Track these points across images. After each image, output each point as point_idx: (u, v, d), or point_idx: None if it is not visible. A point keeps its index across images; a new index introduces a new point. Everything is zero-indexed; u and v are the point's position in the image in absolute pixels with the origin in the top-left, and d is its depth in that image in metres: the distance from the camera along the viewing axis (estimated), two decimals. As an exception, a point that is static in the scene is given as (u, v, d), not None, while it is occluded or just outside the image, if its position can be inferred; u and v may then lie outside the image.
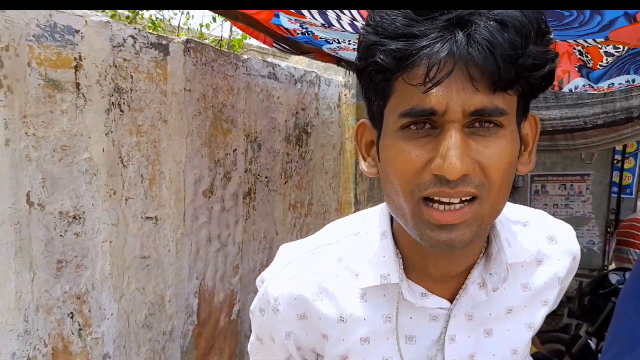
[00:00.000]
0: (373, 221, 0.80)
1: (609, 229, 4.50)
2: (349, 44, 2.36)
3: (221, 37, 3.50)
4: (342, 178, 3.55)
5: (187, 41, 2.22)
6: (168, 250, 2.23)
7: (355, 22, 1.77)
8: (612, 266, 4.98)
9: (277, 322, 0.81)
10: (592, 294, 3.50)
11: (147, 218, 2.11)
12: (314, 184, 3.24)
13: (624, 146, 4.90)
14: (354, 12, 1.70)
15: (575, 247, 0.85)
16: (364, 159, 0.75)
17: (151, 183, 2.11)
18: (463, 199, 0.62)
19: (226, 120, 2.47)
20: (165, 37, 2.14)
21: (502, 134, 0.62)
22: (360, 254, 0.78)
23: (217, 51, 2.39)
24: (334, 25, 1.92)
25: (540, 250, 0.80)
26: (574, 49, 1.98)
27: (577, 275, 4.49)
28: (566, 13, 1.16)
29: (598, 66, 2.01)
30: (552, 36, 0.62)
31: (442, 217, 0.62)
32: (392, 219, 0.78)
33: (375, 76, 0.64)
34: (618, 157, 5.05)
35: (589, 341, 3.54)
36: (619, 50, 1.92)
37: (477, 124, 0.61)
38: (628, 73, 2.30)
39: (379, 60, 0.60)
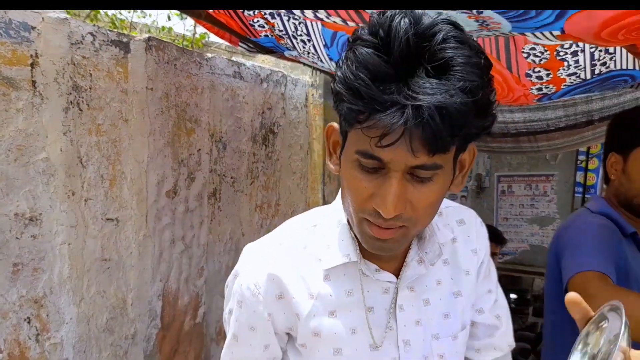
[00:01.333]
0: (329, 214, 0.94)
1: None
2: (308, 55, 2.34)
3: (183, 35, 3.45)
4: (310, 178, 3.53)
5: (149, 39, 2.18)
6: (130, 252, 2.18)
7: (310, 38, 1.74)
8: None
9: (258, 306, 0.90)
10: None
11: (107, 219, 2.06)
12: (281, 184, 3.22)
13: (589, 147, 5.01)
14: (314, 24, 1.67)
15: (478, 222, 1.02)
16: (330, 157, 0.88)
17: (112, 184, 2.07)
18: (394, 226, 0.77)
19: (190, 119, 2.43)
20: (126, 35, 2.10)
21: (435, 180, 0.75)
22: (321, 242, 0.91)
23: (180, 49, 2.35)
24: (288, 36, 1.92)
25: (453, 231, 0.97)
26: (531, 89, 1.98)
27: (542, 274, 4.58)
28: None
29: (562, 86, 2.02)
30: (494, 101, 0.73)
31: (377, 233, 0.78)
32: None
33: (342, 111, 0.74)
34: (582, 157, 5.16)
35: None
36: (581, 69, 1.95)
37: (415, 174, 0.74)
38: (591, 92, 2.33)
39: (345, 110, 0.72)
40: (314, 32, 2.24)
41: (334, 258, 0.89)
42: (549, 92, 2.03)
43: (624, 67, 2.00)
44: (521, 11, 1.19)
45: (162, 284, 2.37)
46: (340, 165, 0.81)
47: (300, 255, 0.92)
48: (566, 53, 1.93)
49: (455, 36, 0.69)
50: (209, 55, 2.56)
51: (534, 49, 1.98)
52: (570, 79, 1.89)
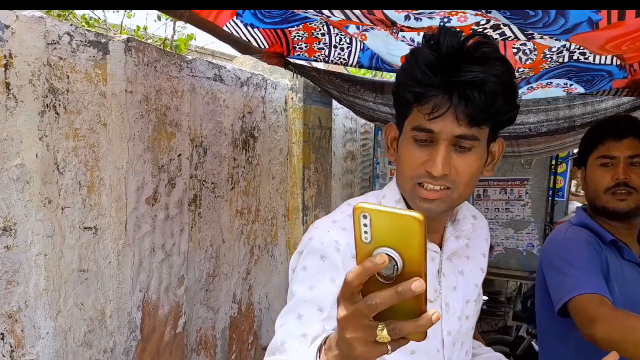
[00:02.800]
0: (387, 194, 1.09)
1: (547, 232, 4.64)
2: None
3: (165, 38, 3.35)
4: (290, 183, 3.48)
5: (128, 40, 2.10)
6: (109, 262, 2.09)
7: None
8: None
9: (339, 259, 0.98)
10: (534, 296, 3.57)
11: (85, 228, 1.97)
12: (261, 189, 3.15)
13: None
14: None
15: (485, 222, 1.25)
16: (388, 150, 1.08)
17: (90, 191, 1.97)
18: (441, 187, 0.97)
19: (170, 123, 2.35)
20: (105, 35, 2.01)
21: (473, 152, 0.97)
22: None
23: (160, 51, 2.27)
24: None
25: (472, 220, 1.16)
26: (517, 70, 2.01)
27: (517, 277, 4.62)
28: (531, 13, 1.16)
29: (540, 68, 2.04)
30: (518, 94, 0.97)
31: (427, 194, 0.98)
32: None
33: (402, 101, 0.99)
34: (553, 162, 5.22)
35: (532, 343, 3.61)
36: (560, 55, 1.96)
37: (458, 144, 0.96)
38: (568, 79, 2.36)
39: (405, 95, 0.96)
40: (355, 42, 2.46)
41: None
42: (527, 75, 2.07)
43: (602, 62, 2.03)
44: (530, 20, 1.19)
45: (141, 294, 2.29)
46: (397, 150, 1.02)
47: None
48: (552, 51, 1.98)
49: (487, 42, 0.93)
50: (190, 57, 2.48)
51: (525, 44, 1.99)
52: (548, 64, 1.93)
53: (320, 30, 2.38)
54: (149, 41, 3.00)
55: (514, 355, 3.64)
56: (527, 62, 2.06)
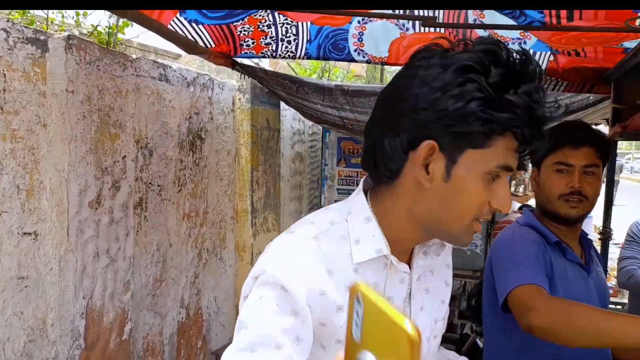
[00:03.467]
0: (352, 211, 0.94)
1: (489, 232, 4.76)
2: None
3: (97, 25, 3.21)
4: (238, 185, 3.44)
5: (69, 37, 2.02)
6: (50, 268, 2.01)
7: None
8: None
9: (304, 293, 0.85)
10: (479, 295, 3.65)
11: (25, 234, 1.88)
12: (209, 191, 3.10)
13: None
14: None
15: None
16: (426, 173, 0.87)
17: (29, 194, 1.89)
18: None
19: (114, 124, 2.28)
20: (44, 32, 1.93)
21: None
22: (350, 237, 0.92)
23: (102, 49, 2.20)
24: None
25: None
26: None
27: (461, 276, 4.72)
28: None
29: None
30: None
31: (478, 228, 0.90)
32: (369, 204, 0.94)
33: (494, 127, 0.82)
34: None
35: (477, 340, 3.70)
36: None
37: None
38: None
39: (510, 119, 0.81)
40: (302, 31, 2.43)
41: (366, 252, 0.90)
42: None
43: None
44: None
45: (85, 301, 2.20)
46: (450, 179, 0.86)
47: (336, 250, 0.90)
48: None
49: None
50: (134, 56, 2.42)
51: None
52: None
53: (266, 21, 2.34)
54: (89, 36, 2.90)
55: (459, 352, 3.71)
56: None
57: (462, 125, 0.81)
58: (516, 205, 7.56)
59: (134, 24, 2.07)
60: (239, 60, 2.78)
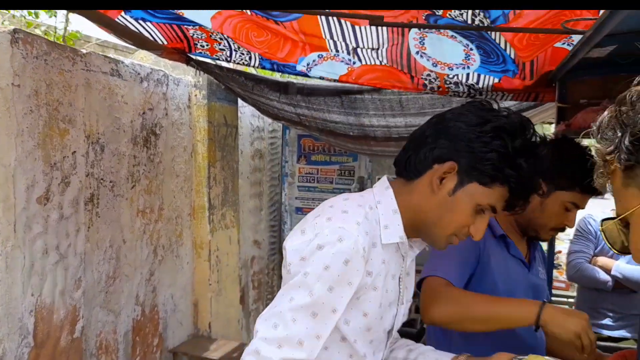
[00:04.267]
0: (383, 201, 1.17)
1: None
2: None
3: (55, 28, 3.18)
4: (195, 182, 3.43)
5: (15, 31, 1.99)
6: (-4, 265, 1.98)
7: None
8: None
9: (363, 265, 1.06)
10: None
11: (-32, 229, 1.85)
12: (164, 188, 3.09)
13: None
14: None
15: None
16: (440, 180, 1.13)
17: (-27, 189, 1.86)
18: None
19: (63, 119, 2.26)
20: (-13, 25, 1.90)
21: None
22: (380, 222, 1.14)
23: (50, 44, 2.18)
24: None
25: None
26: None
27: (419, 271, 4.81)
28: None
29: (447, 15, 2.10)
30: None
31: (456, 242, 1.18)
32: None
33: (499, 176, 1.10)
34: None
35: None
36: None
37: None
38: (471, 41, 2.42)
39: (513, 175, 1.10)
40: (253, 56, 2.56)
41: (392, 237, 1.14)
42: (437, 13, 2.15)
43: (504, 47, 2.17)
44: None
45: (34, 298, 2.18)
46: (453, 196, 1.12)
47: (375, 229, 1.13)
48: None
49: None
50: (84, 51, 2.39)
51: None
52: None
53: (217, 34, 2.39)
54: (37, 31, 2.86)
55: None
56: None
57: (479, 164, 1.08)
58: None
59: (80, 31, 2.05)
60: (193, 56, 2.78)
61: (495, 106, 1.14)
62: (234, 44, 2.48)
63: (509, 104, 3.08)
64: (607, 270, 2.96)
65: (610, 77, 2.33)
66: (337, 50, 2.34)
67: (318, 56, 2.39)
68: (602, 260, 3.04)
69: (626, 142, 0.67)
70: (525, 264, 1.65)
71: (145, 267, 2.95)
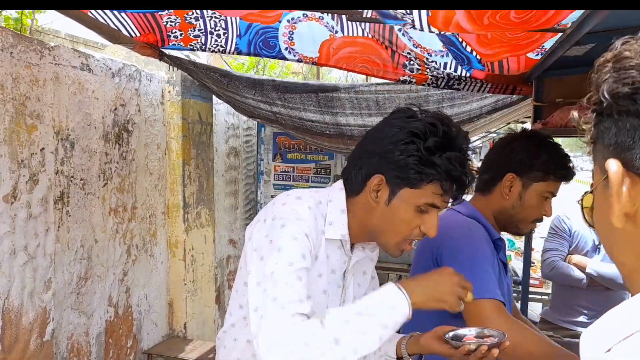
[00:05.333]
0: (333, 200, 1.27)
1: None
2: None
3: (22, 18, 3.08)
4: (169, 180, 3.36)
5: (-22, 22, 1.91)
6: (-40, 266, 1.90)
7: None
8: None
9: (316, 242, 1.19)
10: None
11: None
12: (137, 186, 3.02)
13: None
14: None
15: None
16: (375, 195, 1.22)
17: None
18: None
19: (31, 115, 2.18)
20: (-51, 15, 1.82)
21: None
22: (327, 218, 1.24)
23: (17, 36, 2.10)
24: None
25: None
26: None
27: (395, 269, 4.81)
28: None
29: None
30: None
31: (408, 247, 1.26)
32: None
33: (423, 177, 1.16)
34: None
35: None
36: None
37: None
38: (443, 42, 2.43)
39: (431, 179, 1.16)
40: (231, 26, 2.41)
41: (335, 233, 1.23)
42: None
43: (466, 48, 2.16)
44: None
45: (1, 300, 2.09)
46: (390, 205, 1.20)
47: (320, 221, 1.22)
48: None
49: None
50: (52, 44, 2.31)
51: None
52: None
53: (192, 13, 2.31)
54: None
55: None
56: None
57: (402, 172, 1.16)
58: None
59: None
60: (167, 51, 2.71)
61: (415, 110, 1.21)
62: (210, 20, 2.39)
63: (488, 101, 3.09)
64: (582, 268, 2.98)
65: (587, 75, 2.36)
66: (321, 13, 2.28)
67: (303, 14, 2.32)
68: (576, 258, 3.07)
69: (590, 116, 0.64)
70: (506, 266, 1.67)
71: (118, 267, 2.88)
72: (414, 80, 2.40)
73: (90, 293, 2.66)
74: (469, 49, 2.14)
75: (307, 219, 1.18)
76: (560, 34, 1.73)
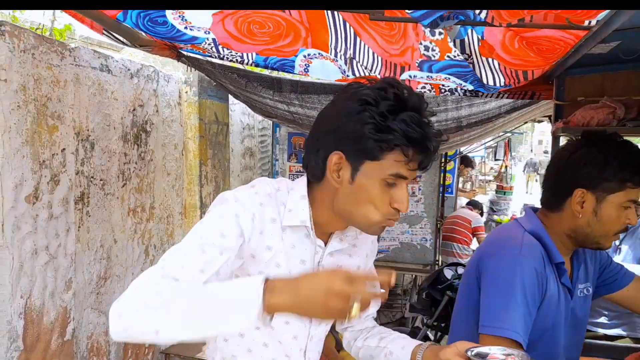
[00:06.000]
0: (294, 188, 1.21)
1: (438, 226, 4.83)
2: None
3: (42, 25, 3.10)
4: (186, 180, 3.37)
5: (1, 23, 1.92)
6: (-17, 266, 1.91)
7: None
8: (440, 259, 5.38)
9: (250, 228, 1.12)
10: (429, 288, 3.71)
11: (-46, 230, 1.78)
12: (155, 186, 3.03)
13: (446, 151, 5.34)
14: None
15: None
16: (337, 175, 1.14)
17: (-41, 188, 1.79)
18: None
19: (52, 115, 2.19)
20: (-27, 17, 1.83)
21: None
22: (286, 205, 1.19)
23: (38, 37, 2.11)
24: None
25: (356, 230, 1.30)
26: (420, 43, 2.08)
27: (411, 270, 4.77)
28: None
29: (445, 57, 2.11)
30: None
31: (391, 224, 1.17)
32: (308, 189, 1.21)
33: (382, 145, 1.07)
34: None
35: (428, 333, 3.75)
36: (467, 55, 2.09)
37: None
38: (465, 80, 2.48)
39: (390, 146, 1.07)
40: (248, 58, 2.53)
41: (293, 219, 1.18)
42: (433, 57, 2.13)
43: (495, 83, 2.19)
44: None
45: (23, 300, 2.11)
46: (354, 183, 1.12)
47: (276, 208, 1.18)
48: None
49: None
50: (73, 45, 2.33)
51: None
52: (455, 50, 1.99)
53: (208, 53, 2.39)
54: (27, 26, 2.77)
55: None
56: (436, 38, 2.17)
57: (360, 143, 1.08)
58: (464, 200, 7.75)
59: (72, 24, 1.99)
60: (184, 52, 2.72)
61: (362, 82, 1.13)
62: (224, 54, 2.46)
63: (507, 100, 3.06)
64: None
65: (609, 74, 2.32)
66: (336, 55, 2.35)
67: (319, 53, 2.37)
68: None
69: None
70: (571, 291, 1.54)
71: (136, 267, 2.89)
72: (437, 51, 2.40)
73: (109, 293, 2.67)
74: (497, 69, 2.15)
75: (247, 203, 1.12)
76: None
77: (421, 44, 2.09)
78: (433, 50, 2.11)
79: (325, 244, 1.25)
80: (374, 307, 1.40)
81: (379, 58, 2.29)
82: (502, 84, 2.35)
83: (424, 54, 2.16)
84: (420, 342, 1.32)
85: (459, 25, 1.84)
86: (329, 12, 2.06)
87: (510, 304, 1.38)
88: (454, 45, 2.03)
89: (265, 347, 1.24)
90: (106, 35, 2.29)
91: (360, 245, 1.33)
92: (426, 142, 1.08)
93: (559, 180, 1.50)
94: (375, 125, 1.05)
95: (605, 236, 1.46)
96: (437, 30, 1.97)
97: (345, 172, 1.12)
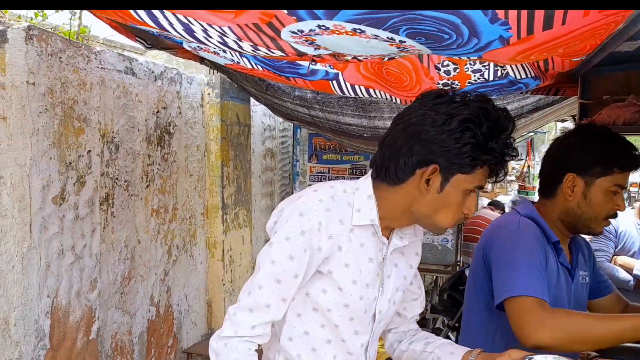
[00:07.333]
0: (359, 188, 1.26)
1: (460, 227, 4.79)
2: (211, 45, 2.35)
3: (70, 27, 3.15)
4: (208, 181, 3.40)
5: (29, 28, 1.96)
6: (12, 266, 1.95)
7: (225, 38, 1.75)
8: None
9: (317, 239, 1.17)
10: (451, 289, 3.69)
11: (-16, 230, 1.82)
12: (178, 187, 3.06)
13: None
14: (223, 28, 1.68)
15: (420, 228, 1.38)
16: (427, 186, 1.20)
17: (-11, 189, 1.83)
18: None
19: (78, 118, 2.23)
20: (3, 22, 1.87)
21: None
22: (354, 205, 1.24)
23: (65, 41, 2.14)
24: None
25: (413, 227, 1.36)
26: (437, 84, 2.06)
27: (432, 270, 4.74)
28: (446, 36, 1.31)
29: (466, 83, 2.11)
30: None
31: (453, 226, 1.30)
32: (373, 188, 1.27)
33: (479, 163, 1.15)
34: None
35: (450, 334, 3.72)
36: (485, 66, 2.06)
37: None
38: (490, 94, 2.46)
39: (489, 159, 1.15)
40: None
41: (362, 219, 1.23)
42: (455, 87, 2.11)
43: (520, 76, 2.16)
44: (445, 42, 1.35)
45: (50, 299, 2.15)
46: (442, 192, 1.19)
47: (345, 210, 1.22)
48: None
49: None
50: (98, 48, 2.36)
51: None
52: (475, 75, 1.97)
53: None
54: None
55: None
56: (452, 75, 2.17)
57: (457, 159, 1.15)
58: (485, 201, 7.68)
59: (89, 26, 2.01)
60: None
61: (451, 94, 1.18)
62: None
63: (530, 100, 3.03)
64: (628, 269, 2.90)
65: (634, 72, 2.28)
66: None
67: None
68: (622, 259, 2.99)
69: None
70: (570, 271, 1.59)
71: (159, 268, 2.92)
72: (457, 83, 2.38)
73: (133, 292, 2.71)
74: (520, 74, 2.13)
75: (312, 213, 1.17)
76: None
77: (438, 84, 2.09)
78: (453, 83, 2.10)
79: (388, 241, 1.31)
80: (419, 308, 1.47)
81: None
82: (533, 75, 2.30)
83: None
84: (468, 349, 1.33)
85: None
86: (335, 83, 2.21)
87: (523, 267, 1.44)
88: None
89: (328, 344, 1.27)
90: (139, 42, 2.31)
91: (413, 243, 1.37)
92: (511, 160, 1.21)
93: (552, 167, 1.60)
94: (476, 145, 1.13)
95: (595, 219, 1.55)
96: (450, 68, 1.98)
97: (435, 182, 1.18)
